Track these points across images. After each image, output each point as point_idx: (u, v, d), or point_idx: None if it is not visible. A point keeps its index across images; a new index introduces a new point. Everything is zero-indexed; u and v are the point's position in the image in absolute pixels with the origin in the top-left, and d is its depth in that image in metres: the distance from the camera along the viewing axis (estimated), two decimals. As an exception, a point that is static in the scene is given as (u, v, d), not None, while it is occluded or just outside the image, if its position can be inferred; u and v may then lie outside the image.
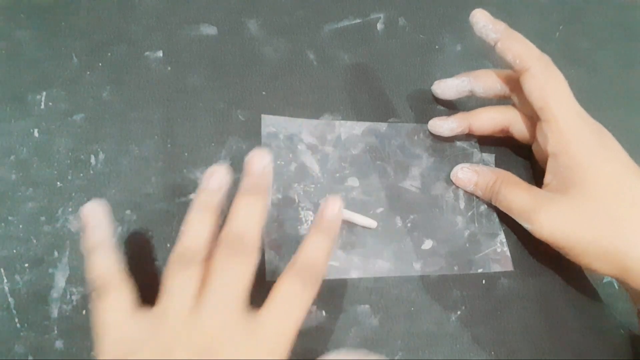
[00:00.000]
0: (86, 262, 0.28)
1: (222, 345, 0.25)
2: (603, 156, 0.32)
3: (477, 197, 0.38)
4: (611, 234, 0.31)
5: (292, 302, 0.27)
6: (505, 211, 0.35)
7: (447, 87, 0.39)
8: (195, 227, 0.28)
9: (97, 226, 0.28)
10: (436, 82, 0.39)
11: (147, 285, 0.32)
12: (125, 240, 0.33)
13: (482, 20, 0.34)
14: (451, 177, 0.38)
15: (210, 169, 0.29)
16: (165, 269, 0.27)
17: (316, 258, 0.28)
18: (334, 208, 0.29)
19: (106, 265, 0.27)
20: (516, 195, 0.34)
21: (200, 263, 0.27)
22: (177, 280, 0.26)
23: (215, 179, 0.29)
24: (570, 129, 0.33)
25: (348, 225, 0.36)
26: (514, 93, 0.37)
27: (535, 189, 0.34)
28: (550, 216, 0.32)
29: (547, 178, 0.34)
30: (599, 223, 0.31)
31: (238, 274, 0.26)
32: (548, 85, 0.33)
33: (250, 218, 0.28)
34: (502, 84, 0.37)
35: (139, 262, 0.33)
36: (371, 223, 0.35)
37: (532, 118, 0.36)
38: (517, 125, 0.37)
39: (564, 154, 0.33)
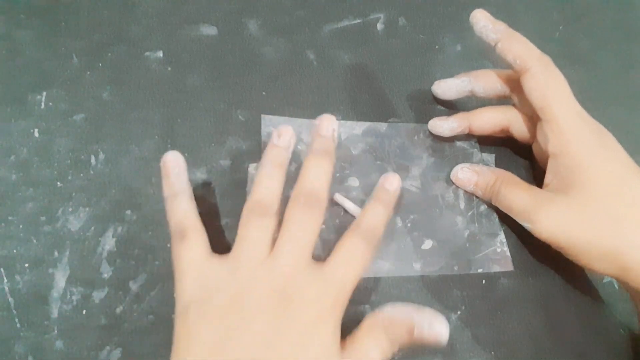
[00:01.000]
0: (167, 208, 0.30)
1: (296, 287, 0.27)
2: (603, 156, 0.32)
3: (477, 197, 0.38)
4: (611, 233, 0.31)
5: (354, 257, 0.29)
6: (505, 211, 0.35)
7: (447, 87, 0.39)
8: (267, 182, 0.30)
9: (178, 174, 0.30)
10: (436, 82, 0.39)
11: (148, 286, 0.32)
12: (125, 240, 0.33)
13: (482, 21, 0.34)
14: (451, 177, 0.38)
15: (279, 128, 0.31)
16: (240, 219, 0.29)
17: (377, 223, 0.31)
18: (393, 183, 0.33)
19: (186, 211, 0.29)
20: (516, 195, 0.34)
21: (273, 215, 0.29)
22: (252, 229, 0.28)
23: (284, 137, 0.31)
24: (570, 129, 0.33)
25: (348, 225, 0.35)
26: (514, 93, 0.37)
27: (535, 188, 0.34)
28: (550, 216, 0.32)
29: (548, 178, 0.34)
30: (599, 223, 0.31)
31: (310, 226, 0.29)
32: (548, 85, 0.33)
33: (319, 176, 0.30)
34: (502, 84, 0.37)
35: (139, 263, 0.33)
36: (356, 210, 0.36)
37: (533, 118, 0.36)
38: (517, 125, 0.37)
39: (564, 154, 0.33)
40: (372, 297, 0.34)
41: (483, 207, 0.38)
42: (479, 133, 0.38)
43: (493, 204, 0.36)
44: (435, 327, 0.27)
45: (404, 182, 0.38)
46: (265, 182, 0.30)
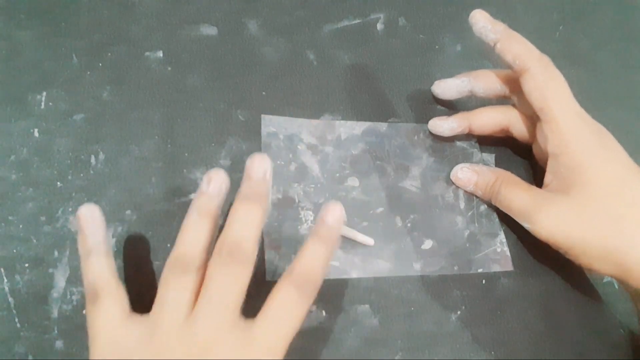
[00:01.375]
0: (81, 266, 0.28)
1: (215, 355, 0.25)
2: (603, 156, 0.32)
3: (477, 197, 0.38)
4: (611, 234, 0.31)
5: (287, 311, 0.26)
6: (505, 211, 0.35)
7: (447, 87, 0.39)
8: (192, 233, 0.27)
9: (92, 231, 0.28)
10: (436, 82, 0.39)
11: (148, 286, 0.32)
12: (125, 241, 0.33)
13: (482, 21, 0.34)
14: (451, 177, 0.38)
15: (209, 173, 0.28)
16: (161, 276, 0.27)
17: (314, 267, 0.27)
18: (335, 214, 0.28)
19: (99, 270, 0.27)
20: (516, 195, 0.34)
21: (195, 271, 0.26)
22: (172, 289, 0.26)
23: (214, 183, 0.28)
24: (570, 129, 0.33)
25: (348, 224, 0.35)
26: (514, 93, 0.37)
27: (535, 189, 0.34)
28: (550, 216, 0.32)
29: (547, 178, 0.34)
30: (599, 223, 0.31)
31: (233, 283, 0.26)
32: (548, 85, 0.33)
33: (247, 226, 0.27)
34: (502, 84, 0.37)
35: (139, 263, 0.33)
36: (368, 240, 0.35)
37: (532, 118, 0.36)
38: (517, 125, 0.37)
39: (564, 154, 0.33)
40: (372, 297, 0.34)
41: (483, 207, 0.38)
42: (479, 133, 0.38)
43: (493, 203, 0.36)
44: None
45: (404, 182, 0.38)
46: (189, 235, 0.27)
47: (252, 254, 0.27)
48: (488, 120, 0.37)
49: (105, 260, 0.28)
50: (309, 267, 0.27)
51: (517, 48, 0.34)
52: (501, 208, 0.36)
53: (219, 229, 0.28)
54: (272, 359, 0.25)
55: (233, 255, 0.26)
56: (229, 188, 0.29)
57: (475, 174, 0.37)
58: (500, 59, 0.34)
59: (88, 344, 0.26)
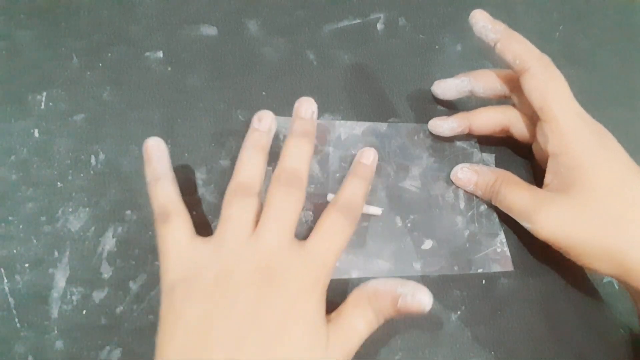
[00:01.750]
0: (150, 192, 0.30)
1: (279, 263, 0.27)
2: (603, 156, 0.32)
3: (477, 197, 0.38)
4: (612, 233, 0.31)
5: (335, 232, 0.29)
6: (505, 211, 0.35)
7: (447, 87, 0.39)
8: (249, 164, 0.31)
9: (160, 158, 0.31)
10: (436, 82, 0.39)
11: (149, 286, 0.32)
12: (125, 241, 0.33)
13: (481, 21, 0.34)
14: (451, 177, 0.38)
15: (259, 113, 0.32)
16: (223, 200, 0.30)
17: (355, 197, 0.31)
18: (369, 157, 0.34)
19: (169, 194, 0.30)
20: (516, 195, 0.34)
21: (255, 195, 0.30)
22: (235, 209, 0.29)
23: (265, 121, 0.32)
24: (570, 129, 0.33)
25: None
26: (514, 93, 0.37)
27: (535, 188, 0.34)
28: (550, 216, 0.32)
29: (548, 178, 0.34)
30: (600, 223, 0.31)
31: (291, 205, 0.29)
32: (548, 85, 0.33)
33: (300, 157, 0.31)
34: (502, 84, 0.37)
35: (139, 263, 0.33)
36: (376, 210, 0.36)
37: (532, 118, 0.36)
38: (517, 125, 0.37)
39: (564, 154, 0.33)
40: (372, 297, 0.34)
41: (483, 207, 0.38)
42: (478, 133, 0.38)
43: (493, 203, 0.36)
44: (417, 296, 0.28)
45: (404, 182, 0.38)
46: (247, 164, 0.31)
47: (305, 181, 0.30)
48: (488, 120, 0.37)
49: (172, 185, 0.30)
50: (351, 197, 0.31)
51: (517, 48, 0.34)
52: (501, 208, 0.36)
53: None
54: (323, 271, 0.28)
55: (290, 180, 0.30)
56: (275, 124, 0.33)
57: (475, 174, 0.37)
58: (500, 59, 0.34)
59: (159, 261, 0.28)
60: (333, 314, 0.29)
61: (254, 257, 0.27)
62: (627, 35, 0.47)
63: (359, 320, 0.28)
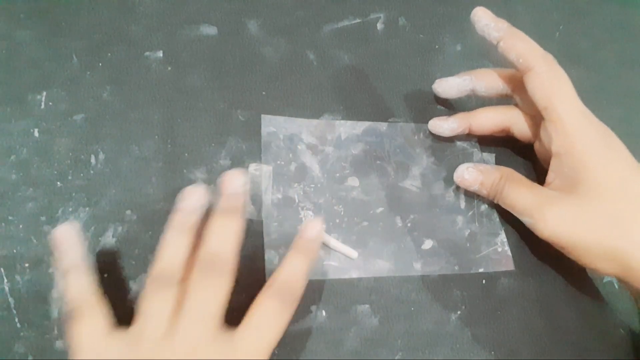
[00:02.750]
0: (60, 285, 0.28)
1: None
2: (607, 156, 0.32)
3: (478, 196, 0.38)
4: (615, 233, 0.31)
5: (269, 321, 0.27)
6: (508, 209, 0.35)
7: (448, 86, 0.38)
8: (171, 249, 0.28)
9: (69, 249, 0.28)
10: (437, 81, 0.39)
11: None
12: (125, 241, 0.33)
13: (484, 19, 0.34)
14: (455, 179, 0.37)
15: (186, 190, 0.29)
16: (143, 291, 0.27)
17: (294, 278, 0.28)
18: (314, 230, 0.30)
19: (79, 287, 0.27)
20: (519, 192, 0.34)
21: (175, 285, 0.27)
22: (152, 303, 0.26)
23: (191, 199, 0.29)
24: (574, 129, 0.32)
25: (348, 225, 0.36)
26: (516, 92, 0.37)
27: (538, 186, 0.34)
28: (553, 215, 0.32)
29: (550, 177, 0.34)
30: (603, 223, 0.31)
31: (212, 294, 0.27)
32: (552, 84, 0.33)
33: (225, 239, 0.28)
34: (503, 83, 0.37)
35: (139, 263, 0.33)
36: (352, 253, 0.35)
37: (534, 117, 0.36)
38: (518, 125, 0.37)
39: (568, 154, 0.33)
40: (372, 297, 0.34)
41: (484, 207, 0.38)
42: (479, 133, 0.38)
43: (496, 202, 0.36)
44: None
45: (404, 182, 0.38)
46: (168, 250, 0.28)
47: (230, 265, 0.27)
48: (488, 120, 0.37)
49: (83, 277, 0.28)
50: (290, 277, 0.28)
51: (520, 46, 0.33)
52: (504, 206, 0.35)
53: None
54: None
55: (211, 267, 0.27)
56: (208, 203, 0.29)
57: (480, 174, 0.36)
58: (502, 58, 0.34)
59: None
60: None
61: (173, 356, 0.25)
62: (627, 35, 0.47)
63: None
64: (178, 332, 0.26)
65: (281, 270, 0.29)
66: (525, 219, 0.34)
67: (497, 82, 0.37)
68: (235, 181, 0.30)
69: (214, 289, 0.27)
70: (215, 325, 0.26)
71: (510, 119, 0.37)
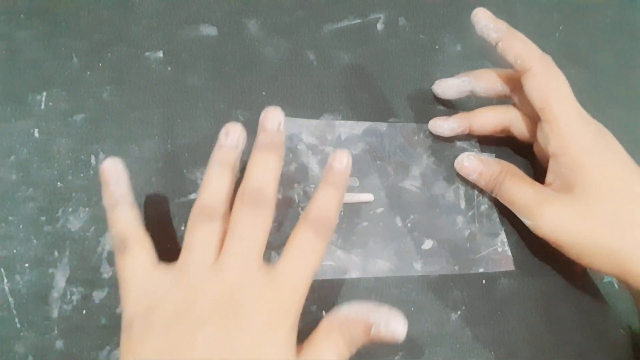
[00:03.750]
0: (107, 218, 0.29)
1: (243, 295, 0.26)
2: (604, 157, 0.32)
3: (479, 196, 0.38)
4: (613, 233, 0.31)
5: (306, 251, 0.27)
6: (506, 204, 0.35)
7: (447, 87, 0.39)
8: (214, 183, 0.29)
9: (118, 182, 0.29)
10: (437, 82, 0.39)
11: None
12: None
13: (484, 20, 0.34)
14: (455, 165, 0.37)
15: (227, 126, 0.30)
16: (187, 224, 0.28)
17: (327, 209, 0.29)
18: (342, 160, 0.30)
19: (127, 220, 0.28)
20: (520, 189, 0.34)
21: (220, 217, 0.28)
22: (198, 235, 0.27)
23: (232, 136, 0.30)
24: (571, 130, 0.32)
25: (348, 225, 0.36)
26: (515, 93, 0.37)
27: (539, 185, 0.34)
28: (553, 213, 0.32)
29: (549, 178, 0.34)
30: (602, 223, 0.31)
31: (256, 227, 0.27)
32: (549, 85, 0.33)
33: (266, 173, 0.29)
34: (502, 83, 0.37)
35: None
36: (368, 197, 0.35)
37: (533, 118, 0.36)
38: (517, 125, 0.37)
39: (565, 154, 0.33)
40: (372, 297, 0.34)
41: (484, 207, 0.38)
42: (479, 133, 0.38)
43: (494, 196, 0.36)
44: (391, 325, 0.27)
45: (404, 182, 0.38)
46: (212, 184, 0.29)
47: (272, 199, 0.28)
48: (488, 120, 0.37)
49: (131, 211, 0.29)
50: (323, 209, 0.29)
51: (518, 47, 0.34)
52: (502, 201, 0.35)
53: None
54: (295, 297, 0.26)
55: (254, 200, 0.28)
56: (246, 141, 0.30)
57: (480, 163, 0.36)
58: (501, 58, 0.34)
59: (120, 292, 0.27)
60: (304, 344, 0.27)
61: (217, 287, 0.26)
62: (627, 35, 0.47)
63: (330, 352, 0.27)
64: (224, 262, 0.26)
65: (314, 203, 0.29)
66: (523, 216, 0.34)
67: (496, 83, 0.37)
68: (276, 117, 0.30)
69: (257, 222, 0.27)
70: (258, 257, 0.27)
71: (509, 119, 0.37)
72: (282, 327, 0.26)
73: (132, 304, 0.26)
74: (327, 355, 0.27)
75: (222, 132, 0.30)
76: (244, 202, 0.28)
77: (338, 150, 0.30)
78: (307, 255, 0.27)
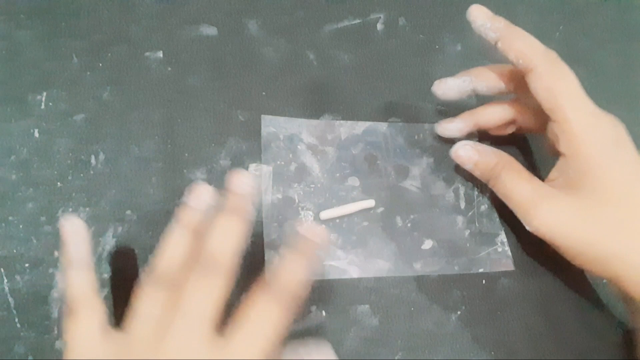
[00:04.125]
0: (64, 278, 0.28)
1: None
2: (615, 160, 0.31)
3: (478, 196, 0.38)
4: (613, 239, 0.30)
5: (262, 321, 0.26)
6: (502, 198, 0.34)
7: (447, 88, 0.37)
8: (171, 248, 0.27)
9: (75, 244, 0.28)
10: (436, 82, 0.38)
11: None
12: (125, 241, 0.33)
13: (480, 18, 0.33)
14: (450, 153, 0.36)
15: (193, 187, 0.29)
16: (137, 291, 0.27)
17: (292, 279, 0.27)
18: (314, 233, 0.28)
19: (80, 284, 0.27)
20: (517, 184, 0.33)
21: (170, 285, 0.26)
22: (144, 303, 0.26)
23: (199, 197, 0.28)
24: (582, 131, 0.31)
25: (348, 225, 0.36)
26: (519, 90, 0.35)
27: (538, 181, 0.33)
28: (552, 212, 0.31)
29: (553, 174, 0.33)
30: (603, 227, 0.31)
31: (206, 295, 0.26)
32: (556, 84, 0.31)
33: (226, 239, 0.27)
34: (505, 80, 0.35)
35: (139, 263, 0.33)
36: (369, 203, 0.35)
37: (540, 111, 0.34)
38: (525, 119, 0.36)
39: (575, 156, 0.31)
40: (372, 297, 0.34)
41: (483, 207, 0.38)
42: (486, 128, 0.37)
43: (490, 186, 0.35)
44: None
45: (404, 182, 0.38)
46: (169, 249, 0.27)
47: (229, 266, 0.26)
48: (494, 115, 0.36)
49: (85, 274, 0.27)
50: (287, 278, 0.27)
51: (519, 45, 0.32)
52: (499, 194, 0.34)
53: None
54: None
55: (207, 267, 0.26)
56: (215, 202, 0.29)
57: (476, 153, 0.35)
58: (503, 57, 0.33)
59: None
60: None
61: (164, 356, 0.24)
62: (627, 35, 0.47)
63: None
64: (169, 333, 0.25)
65: (279, 271, 0.27)
66: (520, 212, 0.33)
67: (498, 81, 0.36)
68: (242, 181, 0.28)
69: (209, 290, 0.26)
70: (208, 326, 0.25)
71: (516, 113, 0.36)
72: None
73: None
74: None
75: (187, 191, 0.28)
76: (196, 269, 0.26)
77: (312, 225, 0.30)
78: (264, 325, 0.26)
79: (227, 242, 0.27)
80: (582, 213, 0.31)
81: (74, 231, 0.28)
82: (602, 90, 0.44)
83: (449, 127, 0.38)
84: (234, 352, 0.25)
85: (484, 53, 0.42)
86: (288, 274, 0.27)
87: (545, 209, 0.31)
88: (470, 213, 0.37)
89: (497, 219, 0.37)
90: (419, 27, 0.43)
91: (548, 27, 0.46)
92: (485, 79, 0.36)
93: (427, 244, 0.36)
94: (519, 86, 0.35)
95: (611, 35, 0.47)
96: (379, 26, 0.43)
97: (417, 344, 0.33)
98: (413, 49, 0.42)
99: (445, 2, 0.45)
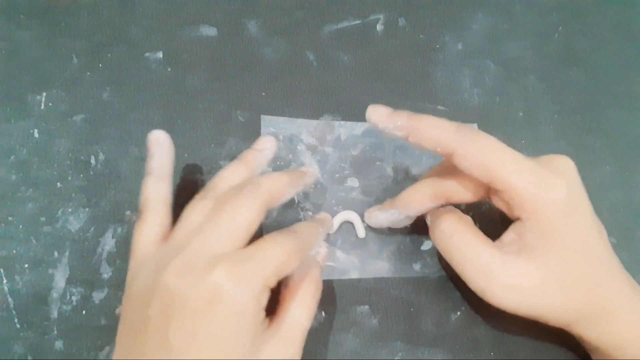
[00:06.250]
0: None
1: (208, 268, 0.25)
2: (571, 216, 0.29)
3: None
4: (573, 300, 0.29)
5: (274, 245, 0.26)
6: (453, 266, 0.31)
7: (378, 222, 0.35)
8: (227, 174, 0.30)
9: (159, 155, 0.30)
10: (367, 212, 0.35)
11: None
12: (125, 241, 0.33)
13: (380, 124, 0.30)
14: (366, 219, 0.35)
15: (262, 138, 0.33)
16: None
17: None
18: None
19: (151, 192, 0.29)
20: (473, 248, 0.30)
21: (215, 200, 0.28)
22: (190, 213, 0.28)
23: (262, 142, 0.33)
24: (533, 194, 0.28)
25: (348, 225, 0.36)
26: (453, 175, 0.31)
27: (493, 246, 0.30)
28: (512, 287, 0.29)
29: (508, 236, 0.30)
30: (563, 291, 0.29)
31: (240, 211, 0.27)
32: (485, 158, 0.28)
33: (273, 178, 0.29)
34: (431, 193, 0.32)
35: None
36: (362, 233, 0.35)
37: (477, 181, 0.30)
38: (459, 192, 0.32)
39: (531, 220, 0.29)
40: (371, 297, 0.34)
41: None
42: (414, 215, 0.34)
43: (437, 247, 0.32)
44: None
45: (404, 182, 0.38)
46: (225, 172, 0.30)
47: (268, 195, 0.28)
48: (420, 201, 0.32)
49: (161, 185, 0.30)
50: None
51: (429, 135, 0.29)
52: (444, 254, 0.31)
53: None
54: (265, 283, 0.25)
55: (251, 190, 0.28)
56: (275, 153, 0.33)
57: (387, 216, 0.33)
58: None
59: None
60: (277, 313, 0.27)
61: (185, 258, 0.26)
62: (627, 35, 0.47)
63: (300, 313, 0.27)
64: (198, 236, 0.26)
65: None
66: (474, 282, 0.30)
67: (425, 200, 0.32)
68: (265, 142, 0.33)
69: (245, 210, 0.27)
70: (237, 240, 0.26)
71: (448, 189, 0.32)
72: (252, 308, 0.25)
73: (130, 269, 0.28)
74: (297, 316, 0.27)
75: (258, 140, 0.33)
76: (237, 187, 0.29)
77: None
78: (275, 249, 0.26)
79: (274, 181, 0.29)
80: (543, 281, 0.29)
81: (161, 143, 0.30)
82: (602, 90, 0.44)
83: (377, 216, 0.34)
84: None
85: (484, 52, 0.42)
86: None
87: (506, 284, 0.29)
88: (470, 214, 0.37)
89: (497, 220, 0.37)
90: (419, 27, 0.43)
91: (548, 27, 0.46)
92: (412, 206, 0.33)
93: (427, 245, 0.36)
94: (451, 173, 0.32)
95: (611, 36, 0.47)
96: (379, 27, 0.43)
97: (417, 344, 0.33)
98: (413, 49, 0.42)
99: (445, 1, 0.45)
